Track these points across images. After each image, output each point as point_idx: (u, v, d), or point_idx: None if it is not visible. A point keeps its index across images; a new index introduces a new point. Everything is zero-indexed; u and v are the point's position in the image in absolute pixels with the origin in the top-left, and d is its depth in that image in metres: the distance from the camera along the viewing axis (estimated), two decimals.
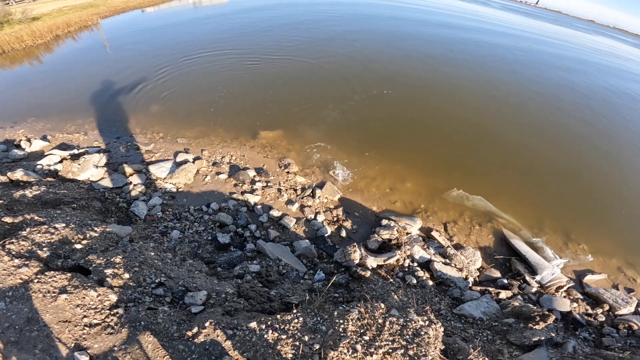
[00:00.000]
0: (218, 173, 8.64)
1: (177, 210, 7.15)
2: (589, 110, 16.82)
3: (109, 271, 4.32)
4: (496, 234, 8.21)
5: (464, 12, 47.30)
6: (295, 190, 8.72)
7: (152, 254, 5.36)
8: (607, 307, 6.98)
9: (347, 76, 16.04)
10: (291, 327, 4.15)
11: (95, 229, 5.16)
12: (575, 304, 6.91)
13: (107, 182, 7.35)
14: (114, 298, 3.81)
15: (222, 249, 6.59)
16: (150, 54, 16.96)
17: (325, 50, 19.71)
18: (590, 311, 6.90)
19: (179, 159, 8.68)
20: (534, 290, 7.05)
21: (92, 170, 7.57)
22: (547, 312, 5.97)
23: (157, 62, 15.78)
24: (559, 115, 15.56)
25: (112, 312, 3.60)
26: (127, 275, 4.44)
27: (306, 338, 3.94)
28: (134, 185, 7.39)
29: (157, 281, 4.76)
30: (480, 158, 11.04)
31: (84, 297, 3.54)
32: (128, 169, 7.78)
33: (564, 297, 7.07)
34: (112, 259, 4.59)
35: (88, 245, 4.76)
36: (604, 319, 6.76)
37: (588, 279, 7.64)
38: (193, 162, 8.71)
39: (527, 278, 7.22)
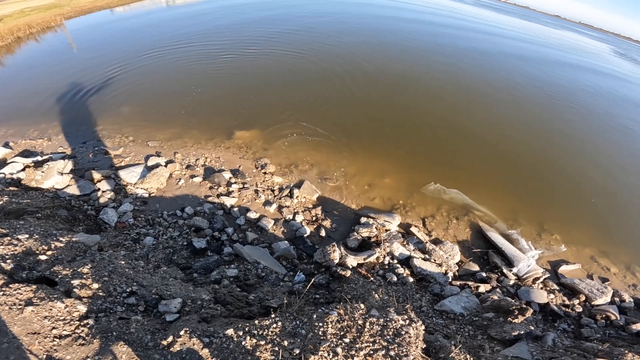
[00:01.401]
0: (192, 176, 8.61)
1: (149, 216, 7.10)
2: (559, 105, 17.62)
3: (76, 282, 4.30)
4: (473, 227, 8.55)
5: (438, 8, 48.36)
6: (273, 190, 8.79)
7: (123, 262, 5.34)
8: (583, 298, 7.30)
9: (325, 73, 16.20)
10: (270, 333, 4.17)
11: (61, 239, 5.10)
12: (552, 295, 7.23)
13: (73, 190, 7.22)
14: (82, 309, 3.81)
15: (199, 254, 6.60)
16: (119, 54, 16.58)
17: (302, 45, 19.84)
18: (567, 302, 7.21)
19: (150, 163, 8.60)
20: (511, 282, 7.36)
21: (56, 177, 7.41)
22: (525, 306, 6.21)
23: (127, 62, 15.47)
24: (530, 110, 16.28)
25: (82, 323, 3.60)
26: (95, 285, 4.42)
27: (285, 343, 3.96)
28: (103, 191, 7.29)
29: (128, 290, 4.75)
30: (456, 152, 11.47)
31: (50, 309, 3.53)
32: (96, 175, 7.64)
33: (541, 288, 7.39)
34: (79, 270, 4.56)
35: (53, 256, 4.71)
36: (581, 309, 7.07)
37: (563, 269, 8.03)
38: (165, 165, 8.64)
39: (505, 271, 7.54)
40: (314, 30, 23.86)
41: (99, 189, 7.33)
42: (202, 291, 5.55)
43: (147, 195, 7.70)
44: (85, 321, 3.67)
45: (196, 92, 12.91)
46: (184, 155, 9.34)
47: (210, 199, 8.09)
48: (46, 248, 4.75)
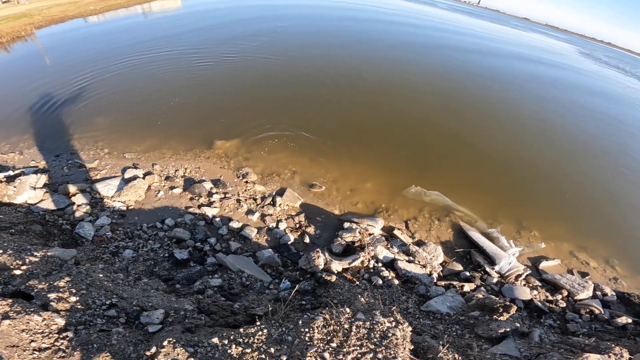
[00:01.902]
0: (172, 187, 8.54)
1: (128, 228, 6.99)
2: (534, 104, 18.55)
3: (52, 295, 4.21)
4: (455, 227, 8.79)
5: (414, 12, 50.61)
6: (255, 199, 8.80)
7: (101, 275, 5.24)
8: (565, 293, 7.52)
9: (303, 78, 16.50)
10: (256, 340, 4.14)
11: (36, 253, 4.97)
12: (535, 292, 7.43)
13: (47, 204, 7.03)
14: (61, 322, 3.73)
15: (181, 265, 6.52)
16: (93, 63, 16.26)
17: (280, 50, 20.19)
18: (550, 298, 7.40)
19: (127, 175, 8.48)
20: (495, 280, 7.55)
21: (29, 192, 7.21)
22: (509, 303, 6.33)
23: (100, 71, 15.22)
24: (504, 109, 17.10)
25: (61, 336, 3.52)
26: (73, 299, 4.33)
27: (272, 350, 3.93)
28: (78, 205, 7.13)
29: (108, 303, 4.67)
30: (435, 154, 11.85)
31: (28, 322, 3.45)
32: (70, 189, 7.47)
33: (524, 285, 7.60)
34: (55, 283, 4.46)
35: (28, 270, 4.59)
36: (564, 304, 7.26)
37: (543, 265, 8.30)
38: (144, 177, 8.54)
39: (487, 269, 7.74)
40: (290, 35, 24.36)
41: (73, 203, 7.17)
42: (185, 301, 5.49)
43: (125, 208, 7.57)
44: (64, 334, 3.59)
45: (174, 101, 12.80)
46: (162, 166, 9.25)
47: (191, 209, 8.03)
48: (20, 263, 4.63)
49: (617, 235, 9.86)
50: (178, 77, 15.15)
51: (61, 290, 4.38)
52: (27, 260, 4.72)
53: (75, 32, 23.20)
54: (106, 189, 7.79)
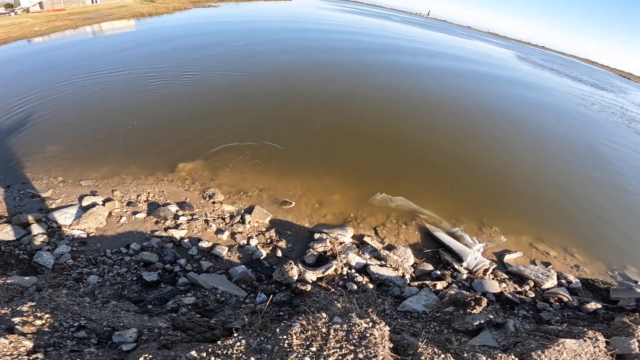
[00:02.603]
0: (135, 212, 8.30)
1: (91, 255, 6.68)
2: (482, 111, 20.30)
3: (17, 319, 4.01)
4: (421, 229, 9.24)
5: (370, 26, 54.75)
6: (224, 219, 8.77)
7: (66, 299, 5.02)
8: (532, 284, 7.98)
9: (263, 94, 16.99)
10: (235, 351, 4.09)
11: None
12: (504, 284, 7.82)
13: (1, 236, 6.59)
14: (29, 344, 3.54)
15: (151, 286, 6.32)
16: (38, 85, 15.41)
17: (238, 67, 20.65)
18: (519, 289, 7.79)
19: (85, 203, 8.16)
20: (464, 276, 7.92)
21: None
22: (479, 296, 6.59)
23: (47, 94, 14.49)
24: (457, 117, 18.64)
25: (31, 358, 3.36)
26: (39, 322, 4.14)
27: (252, 359, 3.98)
28: (34, 235, 6.74)
29: (76, 325, 4.47)
30: (396, 162, 12.54)
31: None
32: (24, 219, 7.07)
33: (492, 279, 8.01)
34: (18, 308, 4.25)
35: None
36: (533, 295, 7.65)
37: (507, 258, 8.83)
38: (103, 204, 8.25)
39: (456, 266, 8.14)
40: (248, 52, 25.02)
41: (29, 233, 6.78)
42: (158, 320, 5.34)
43: (85, 235, 7.25)
44: (34, 355, 3.42)
45: (131, 124, 12.50)
46: (123, 192, 8.98)
47: (157, 233, 7.85)
48: None
49: (571, 223, 10.89)
50: (134, 98, 14.91)
51: (25, 314, 4.17)
52: None
53: (17, 52, 22.31)
54: (63, 218, 7.44)
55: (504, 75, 37.66)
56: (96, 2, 53.74)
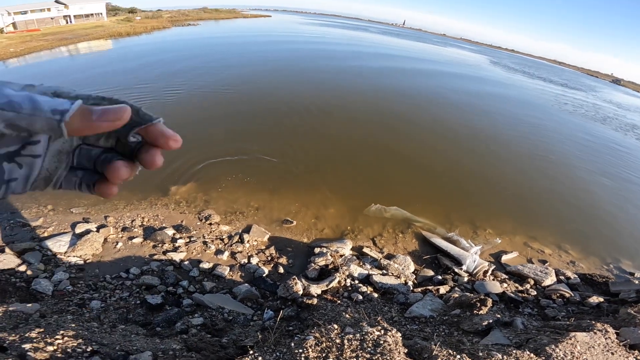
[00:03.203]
0: (131, 238, 8.16)
1: (90, 281, 6.50)
2: (465, 114, 21.43)
3: (27, 346, 3.89)
4: (418, 237, 9.46)
5: (350, 39, 57.55)
6: (222, 239, 8.73)
7: (73, 325, 4.87)
8: (532, 282, 8.17)
9: (249, 110, 17.29)
10: None
11: None
12: (505, 284, 8.00)
13: None
14: None
15: (156, 309, 6.19)
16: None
17: (221, 82, 21.15)
18: (520, 288, 7.97)
19: (79, 230, 7.97)
20: (466, 279, 8.09)
21: None
22: (484, 297, 6.71)
23: None
24: (442, 122, 19.77)
25: None
26: (50, 348, 4.02)
27: None
28: (29, 264, 6.53)
29: (89, 350, 4.35)
30: (387, 172, 12.83)
31: None
32: (17, 248, 6.85)
33: (493, 279, 8.19)
34: (27, 335, 4.12)
35: None
36: (535, 292, 7.80)
37: (505, 258, 9.06)
38: (97, 230, 8.08)
39: (456, 270, 8.31)
40: (228, 65, 25.55)
41: (24, 262, 6.56)
42: (170, 342, 5.23)
43: (82, 262, 7.06)
44: None
45: None
46: (116, 218, 8.83)
47: (156, 257, 7.74)
48: None
49: (560, 220, 11.37)
50: None
51: (35, 340, 4.05)
52: None
53: None
54: (57, 245, 7.24)
55: (480, 78, 40.16)
56: (71, 22, 53.59)
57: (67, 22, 52.77)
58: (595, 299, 7.42)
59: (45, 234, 7.73)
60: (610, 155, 20.29)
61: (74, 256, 7.13)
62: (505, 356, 4.41)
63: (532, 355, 4.42)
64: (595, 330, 5.21)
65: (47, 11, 51.93)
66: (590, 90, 62.29)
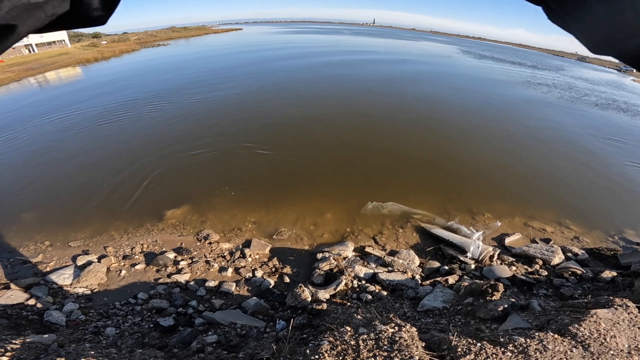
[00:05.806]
0: (133, 265, 8.33)
1: (101, 309, 6.67)
2: (449, 109, 22.19)
3: None
4: (418, 229, 9.78)
5: (326, 43, 59.16)
6: (224, 256, 8.94)
7: (93, 352, 5.04)
8: (540, 262, 8.26)
9: (234, 123, 17.82)
10: None
11: (14, 341, 4.68)
12: (513, 267, 8.11)
13: (4, 301, 6.45)
14: None
15: (169, 331, 6.37)
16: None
17: (204, 97, 21.98)
18: (530, 269, 8.03)
19: (80, 262, 8.11)
20: (472, 266, 8.27)
21: None
22: (494, 282, 6.75)
23: (12, 159, 14.17)
24: (425, 117, 20.61)
25: None
26: None
27: None
28: (37, 297, 6.69)
29: None
30: (378, 169, 13.29)
31: None
32: (22, 284, 7.01)
33: (500, 264, 8.33)
34: None
35: (14, 356, 4.33)
36: (546, 272, 7.84)
37: (508, 241, 9.26)
38: (99, 261, 8.23)
39: (462, 258, 8.52)
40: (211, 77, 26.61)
41: (32, 296, 6.71)
42: None
43: (89, 292, 7.22)
44: None
45: (105, 180, 12.39)
46: (115, 247, 8.99)
47: (161, 280, 7.91)
48: (3, 351, 4.38)
49: (555, 196, 11.84)
50: (92, 146, 15.09)
51: None
52: (9, 348, 4.46)
53: None
54: (62, 278, 7.39)
55: (453, 70, 42.06)
56: (33, 51, 53.11)
57: (29, 52, 52.43)
58: (608, 274, 7.44)
59: (48, 269, 7.86)
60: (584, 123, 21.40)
61: (80, 287, 7.28)
62: (528, 339, 4.37)
63: (556, 336, 4.39)
64: (615, 306, 5.19)
65: None
66: (559, 69, 64.69)
